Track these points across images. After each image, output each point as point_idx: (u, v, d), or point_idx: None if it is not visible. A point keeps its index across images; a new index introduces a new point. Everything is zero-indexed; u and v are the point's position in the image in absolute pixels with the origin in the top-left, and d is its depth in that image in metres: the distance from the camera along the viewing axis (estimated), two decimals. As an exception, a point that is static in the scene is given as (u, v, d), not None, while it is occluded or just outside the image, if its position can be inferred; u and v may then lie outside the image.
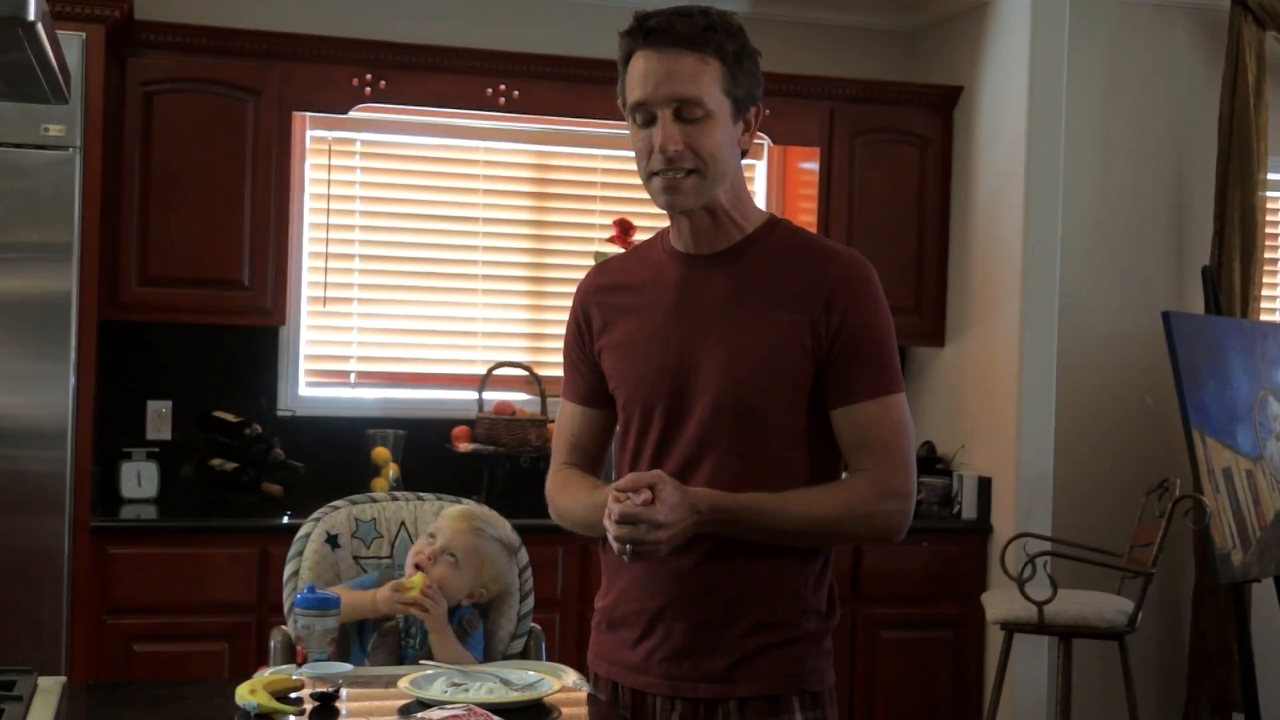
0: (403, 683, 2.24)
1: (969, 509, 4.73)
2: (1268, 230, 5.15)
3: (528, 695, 2.18)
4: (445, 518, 2.77)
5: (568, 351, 2.25)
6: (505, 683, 2.24)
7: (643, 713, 2.11)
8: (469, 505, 2.85)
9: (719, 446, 2.05)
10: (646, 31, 2.01)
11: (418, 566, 2.68)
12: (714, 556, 2.05)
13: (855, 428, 2.04)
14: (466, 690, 2.21)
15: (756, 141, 4.92)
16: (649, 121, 2.02)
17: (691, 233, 2.11)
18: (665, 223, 2.21)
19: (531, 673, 2.30)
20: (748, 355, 2.04)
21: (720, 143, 2.01)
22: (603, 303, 2.19)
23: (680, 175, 2.01)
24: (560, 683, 2.31)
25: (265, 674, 2.29)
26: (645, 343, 2.12)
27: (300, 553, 2.82)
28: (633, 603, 2.12)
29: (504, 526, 2.81)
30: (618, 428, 2.21)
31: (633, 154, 2.10)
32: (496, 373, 4.71)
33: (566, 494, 2.24)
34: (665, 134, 2.00)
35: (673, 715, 2.08)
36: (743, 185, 2.12)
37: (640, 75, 2.01)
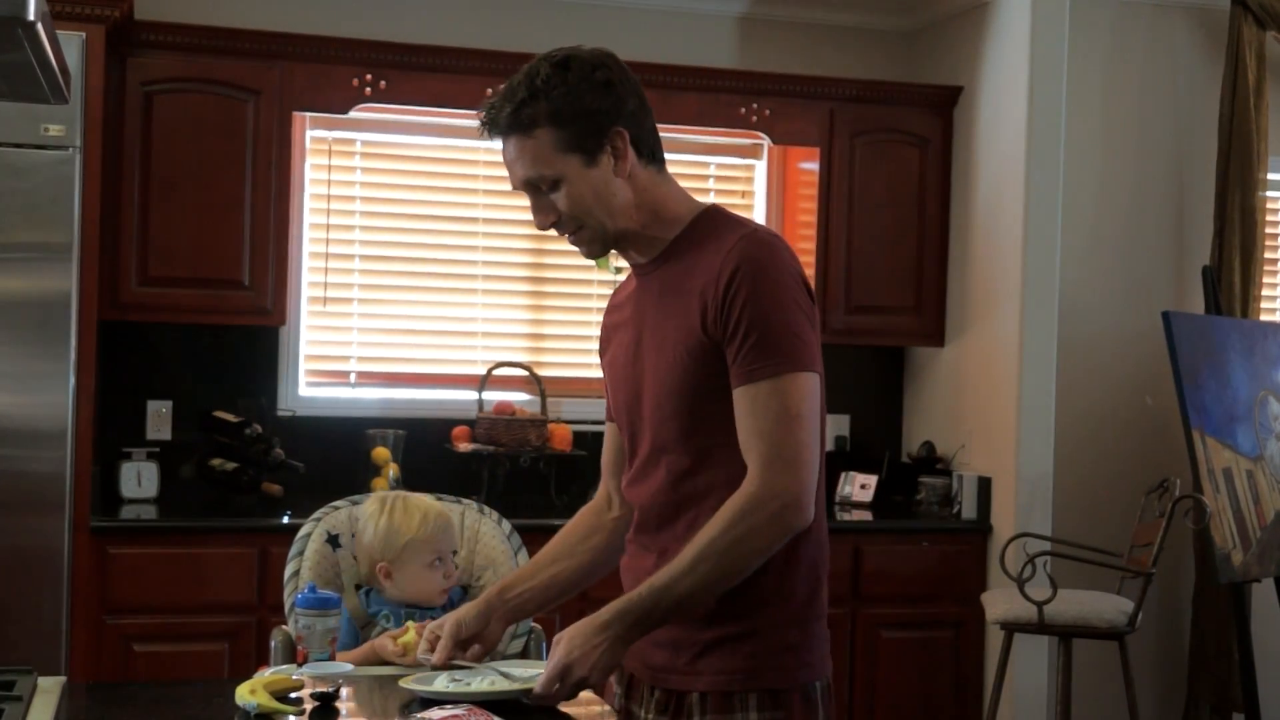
0: (404, 682, 2.24)
1: (969, 509, 4.73)
2: (1268, 230, 5.15)
3: (529, 685, 2.16)
4: (415, 534, 2.70)
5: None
6: (506, 675, 2.24)
7: (635, 695, 2.18)
8: (394, 505, 2.75)
9: (669, 446, 2.09)
10: (485, 125, 2.09)
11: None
12: (670, 553, 2.06)
13: (740, 415, 2.01)
14: (469, 685, 2.20)
15: (756, 142, 4.99)
16: None
17: (632, 252, 2.17)
18: None
19: (532, 668, 2.29)
20: (669, 352, 2.08)
21: (583, 194, 2.06)
22: (606, 325, 2.29)
23: (571, 235, 2.11)
24: None
25: (265, 674, 2.29)
26: (618, 356, 2.22)
27: (301, 552, 2.82)
28: (632, 585, 2.15)
29: (424, 500, 2.81)
30: None
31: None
32: (496, 373, 4.72)
33: (560, 535, 2.36)
34: (534, 215, 2.11)
35: (652, 701, 2.13)
36: (658, 194, 2.12)
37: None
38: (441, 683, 2.22)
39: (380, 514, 2.74)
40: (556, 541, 2.34)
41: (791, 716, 2.04)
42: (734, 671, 2.04)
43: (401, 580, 2.71)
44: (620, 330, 2.21)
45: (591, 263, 4.77)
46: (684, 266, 2.09)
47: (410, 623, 2.56)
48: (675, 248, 2.11)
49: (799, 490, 1.99)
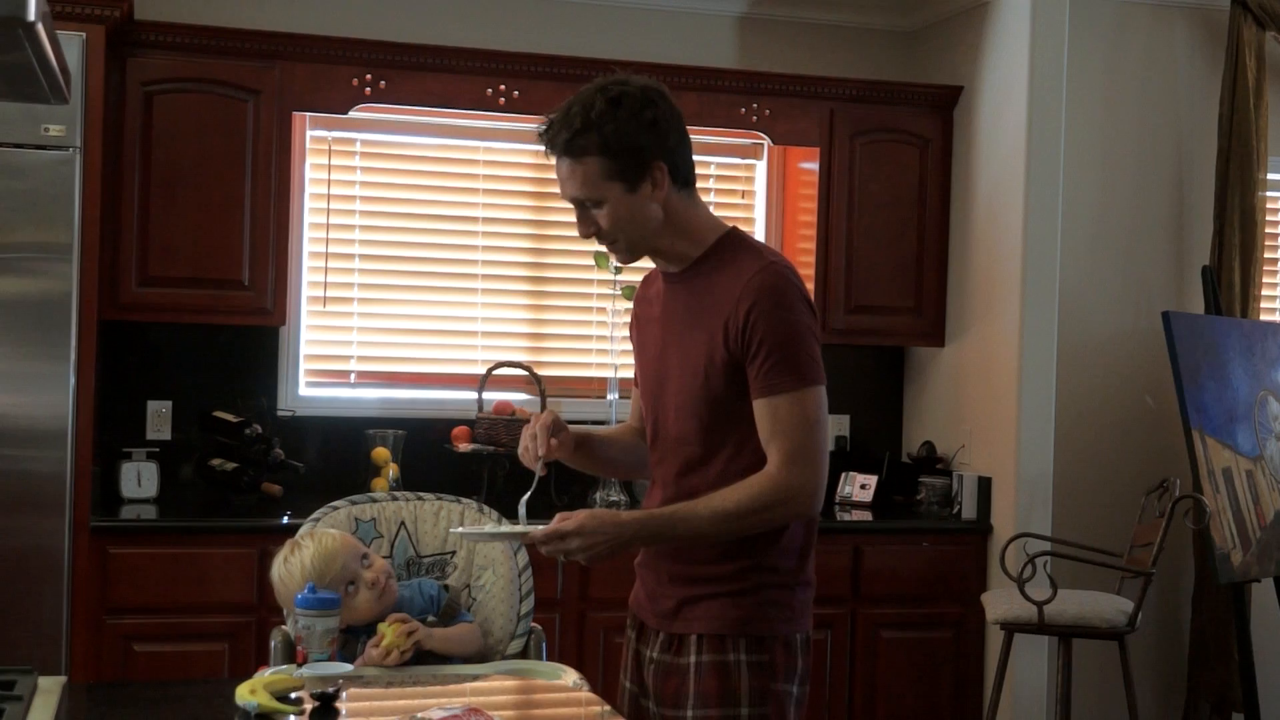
0: (453, 529, 2.63)
1: (969, 509, 4.73)
2: (1268, 230, 5.16)
3: (526, 532, 2.37)
4: (331, 565, 2.65)
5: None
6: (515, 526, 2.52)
7: (644, 636, 2.51)
8: (309, 550, 2.67)
9: (686, 432, 2.42)
10: (545, 142, 2.38)
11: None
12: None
13: (763, 419, 2.34)
14: (483, 528, 2.55)
15: (756, 142, 4.99)
16: None
17: (661, 261, 2.49)
18: None
19: (539, 527, 2.38)
20: (693, 358, 2.39)
21: (621, 216, 2.36)
22: (637, 312, 2.62)
23: (608, 245, 2.43)
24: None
25: (265, 674, 2.29)
26: (645, 347, 2.54)
27: (300, 553, 2.82)
28: (646, 558, 2.54)
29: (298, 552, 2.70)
30: None
31: None
32: (496, 373, 4.72)
33: (616, 431, 2.76)
34: (578, 225, 2.42)
35: (657, 641, 2.46)
36: (686, 216, 2.41)
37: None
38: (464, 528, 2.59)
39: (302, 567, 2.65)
40: (616, 434, 2.69)
41: (774, 660, 2.38)
42: (727, 619, 2.37)
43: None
44: (650, 324, 2.52)
45: (591, 263, 4.78)
46: (707, 285, 2.39)
47: (380, 625, 2.60)
48: (700, 265, 2.41)
49: (814, 488, 2.34)
